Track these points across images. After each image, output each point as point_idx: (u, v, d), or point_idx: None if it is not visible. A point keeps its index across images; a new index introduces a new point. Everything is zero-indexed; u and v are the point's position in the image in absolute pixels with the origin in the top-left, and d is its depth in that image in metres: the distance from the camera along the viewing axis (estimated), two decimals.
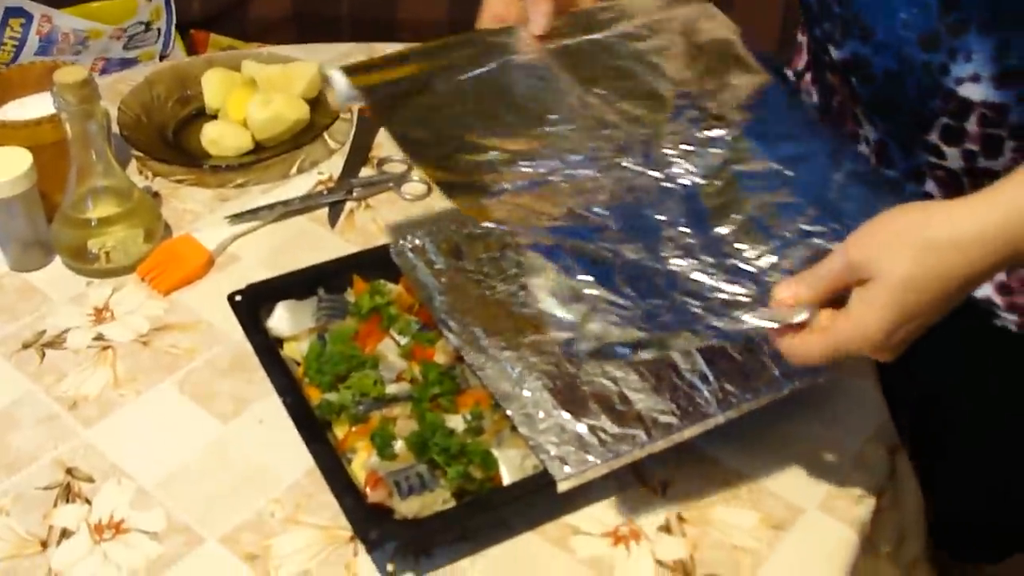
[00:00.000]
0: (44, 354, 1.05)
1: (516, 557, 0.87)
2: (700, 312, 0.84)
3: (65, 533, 0.90)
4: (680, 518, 0.90)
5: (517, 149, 0.95)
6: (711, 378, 0.94)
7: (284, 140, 1.28)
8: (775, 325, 0.82)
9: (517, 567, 0.87)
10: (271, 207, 1.19)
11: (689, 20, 1.10)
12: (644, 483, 0.93)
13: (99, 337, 1.07)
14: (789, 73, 1.23)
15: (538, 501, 0.89)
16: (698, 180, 0.95)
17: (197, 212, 1.22)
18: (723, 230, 0.90)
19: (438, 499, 0.88)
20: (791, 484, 0.93)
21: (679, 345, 0.84)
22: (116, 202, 1.13)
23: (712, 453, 0.95)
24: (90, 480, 0.94)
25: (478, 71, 1.02)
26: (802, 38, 1.19)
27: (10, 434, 0.98)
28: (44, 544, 0.89)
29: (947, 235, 0.76)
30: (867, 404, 1.00)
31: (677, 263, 0.87)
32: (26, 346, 1.06)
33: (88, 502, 0.92)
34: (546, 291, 0.82)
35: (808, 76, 1.18)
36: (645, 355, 0.82)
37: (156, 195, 1.23)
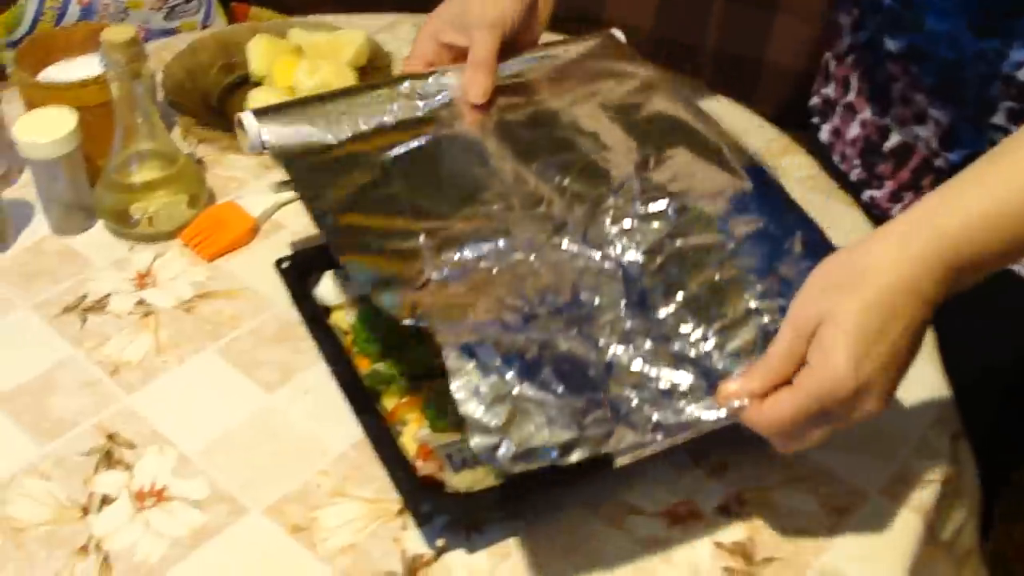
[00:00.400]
0: (85, 319, 1.03)
1: (570, 535, 0.85)
2: (637, 404, 0.79)
3: (106, 500, 0.87)
4: (739, 500, 0.87)
5: (447, 234, 0.90)
6: None
7: None
8: (721, 415, 0.78)
9: (571, 545, 0.84)
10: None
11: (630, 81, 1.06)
12: (700, 464, 0.90)
13: (141, 302, 1.04)
14: (828, 56, 1.19)
15: (593, 478, 0.86)
16: (639, 258, 0.89)
17: (241, 179, 1.19)
18: (665, 311, 0.85)
19: (490, 474, 0.85)
20: (853, 468, 0.90)
21: (611, 445, 0.76)
22: (160, 166, 1.11)
23: None
24: (131, 446, 0.91)
25: (406, 148, 0.98)
26: (845, 19, 1.15)
27: (50, 398, 0.95)
28: (85, 510, 0.87)
29: (874, 260, 0.75)
30: (929, 389, 0.97)
31: (614, 351, 0.82)
32: (67, 310, 1.04)
33: (129, 469, 0.90)
34: (467, 392, 0.76)
35: (850, 59, 1.15)
36: (575, 457, 0.75)
37: (200, 162, 1.21)
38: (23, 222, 1.14)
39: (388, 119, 1.02)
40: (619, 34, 1.13)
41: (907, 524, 0.87)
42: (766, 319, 0.84)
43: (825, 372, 0.73)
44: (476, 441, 0.74)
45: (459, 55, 1.04)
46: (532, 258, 0.88)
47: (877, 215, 1.11)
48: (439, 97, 1.04)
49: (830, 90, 1.19)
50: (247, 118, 0.99)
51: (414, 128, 1.00)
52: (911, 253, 0.73)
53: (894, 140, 1.05)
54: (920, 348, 0.76)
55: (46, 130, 1.07)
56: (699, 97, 1.27)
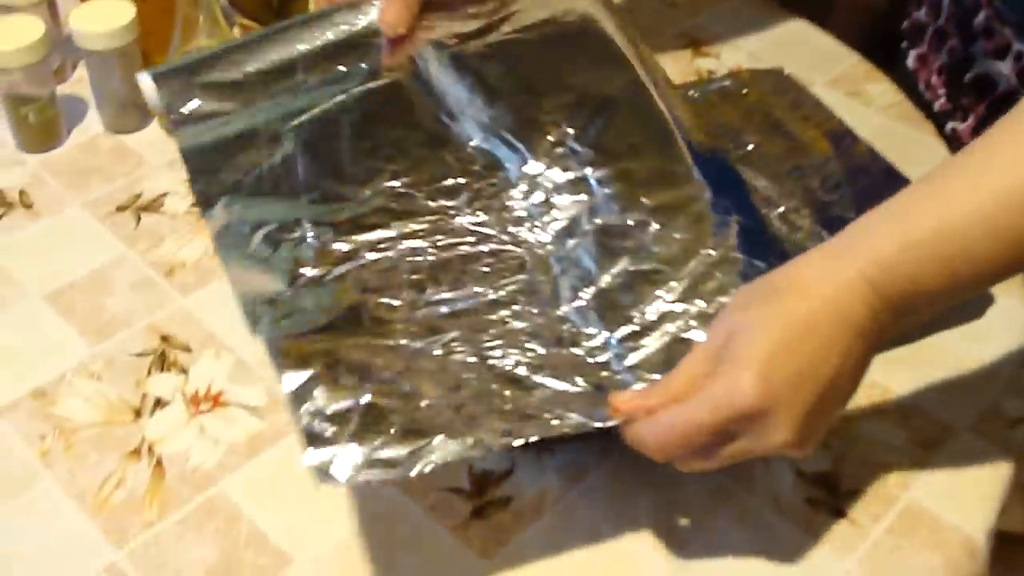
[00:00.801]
0: (140, 218, 0.99)
1: (646, 460, 0.80)
2: (508, 409, 0.69)
3: (159, 403, 0.84)
4: None
5: (337, 220, 0.79)
6: None
7: None
8: (601, 424, 0.68)
9: (647, 468, 0.80)
10: None
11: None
12: None
13: None
14: None
15: None
16: (547, 243, 0.80)
17: None
18: (567, 308, 0.77)
19: None
20: (941, 403, 0.86)
21: (478, 448, 0.66)
22: None
23: None
24: (187, 349, 0.88)
25: (311, 114, 0.84)
26: None
27: (103, 297, 0.92)
28: (137, 412, 0.83)
29: (798, 279, 0.67)
30: (1021, 327, 0.92)
31: (501, 360, 0.73)
32: (120, 209, 1.00)
33: (184, 372, 0.86)
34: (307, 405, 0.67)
35: None
36: (427, 469, 0.65)
37: None
38: (76, 119, 1.10)
39: (296, 55, 0.88)
40: None
41: (995, 463, 0.82)
42: (676, 326, 0.76)
43: (726, 380, 0.64)
44: (312, 456, 0.65)
45: None
46: (426, 244, 0.79)
47: (958, 148, 1.06)
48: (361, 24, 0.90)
49: (921, 14, 1.14)
50: (144, 80, 0.86)
51: (326, 82, 0.87)
52: (839, 276, 0.65)
53: (976, 71, 1.00)
54: (855, 388, 0.68)
55: (102, 21, 1.03)
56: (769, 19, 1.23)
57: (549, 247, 0.80)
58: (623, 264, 0.79)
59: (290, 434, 0.81)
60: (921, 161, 1.04)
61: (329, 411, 0.67)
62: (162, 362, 0.87)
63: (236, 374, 0.86)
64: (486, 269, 0.78)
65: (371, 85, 0.87)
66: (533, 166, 0.83)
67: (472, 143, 0.85)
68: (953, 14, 1.07)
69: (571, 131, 0.84)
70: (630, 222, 0.80)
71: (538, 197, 0.82)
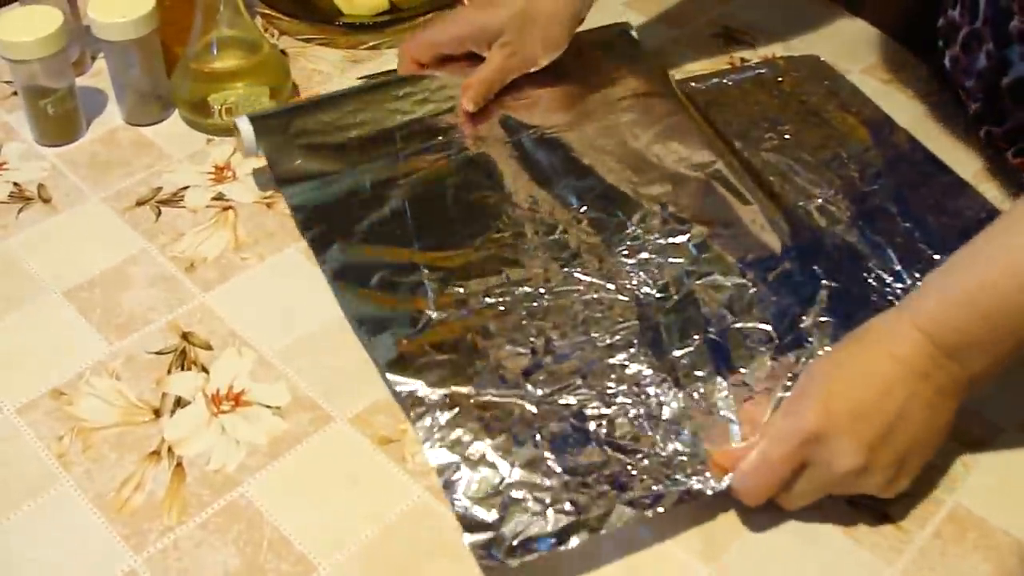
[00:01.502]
0: (160, 212, 0.97)
1: None
2: (636, 475, 0.74)
3: (180, 402, 0.81)
4: None
5: (452, 265, 0.87)
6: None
7: (422, 0, 1.18)
8: (719, 487, 0.73)
9: None
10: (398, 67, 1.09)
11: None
12: None
13: (219, 197, 0.98)
14: None
15: None
16: (654, 292, 0.85)
17: (327, 73, 1.12)
18: (679, 352, 0.81)
19: None
20: (988, 401, 0.82)
21: (610, 523, 0.71)
22: (242, 54, 1.04)
23: None
24: (208, 347, 0.85)
25: (416, 175, 0.95)
26: None
27: (122, 293, 0.89)
28: (157, 412, 0.81)
29: (858, 333, 0.75)
30: None
31: (621, 402, 0.78)
32: (140, 203, 0.98)
33: (205, 370, 0.84)
34: (457, 489, 0.73)
35: None
36: (572, 543, 0.70)
37: (284, 54, 1.14)
38: (96, 111, 1.08)
39: (392, 126, 0.99)
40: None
41: None
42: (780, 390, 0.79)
43: (791, 412, 0.73)
44: (470, 539, 0.70)
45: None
46: (541, 290, 0.85)
47: (991, 154, 1.02)
48: (446, 105, 1.02)
49: (956, 13, 1.10)
50: (242, 124, 0.95)
51: (425, 150, 0.97)
52: (896, 327, 0.73)
53: (1013, 76, 0.96)
54: (935, 430, 0.73)
55: (121, 11, 1.00)
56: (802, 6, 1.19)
57: (657, 298, 0.84)
58: (728, 319, 0.83)
59: (313, 434, 0.79)
60: (959, 150, 1.01)
61: (479, 496, 0.72)
62: (182, 360, 0.84)
63: (258, 372, 0.83)
64: (599, 315, 0.83)
65: (469, 153, 0.96)
66: (632, 228, 0.90)
67: (572, 206, 0.91)
68: (990, 17, 1.03)
69: (663, 201, 0.92)
70: (728, 283, 0.85)
71: (640, 256, 0.88)
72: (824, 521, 0.75)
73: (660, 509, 0.72)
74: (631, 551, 0.73)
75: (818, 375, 0.74)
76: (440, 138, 0.98)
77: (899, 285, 0.85)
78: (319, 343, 0.85)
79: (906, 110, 1.06)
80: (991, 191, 0.97)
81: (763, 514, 0.75)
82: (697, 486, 0.73)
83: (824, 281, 0.85)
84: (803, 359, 0.80)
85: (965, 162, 1.01)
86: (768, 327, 0.82)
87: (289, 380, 0.83)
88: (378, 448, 0.78)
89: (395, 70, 1.07)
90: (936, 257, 0.87)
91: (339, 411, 0.81)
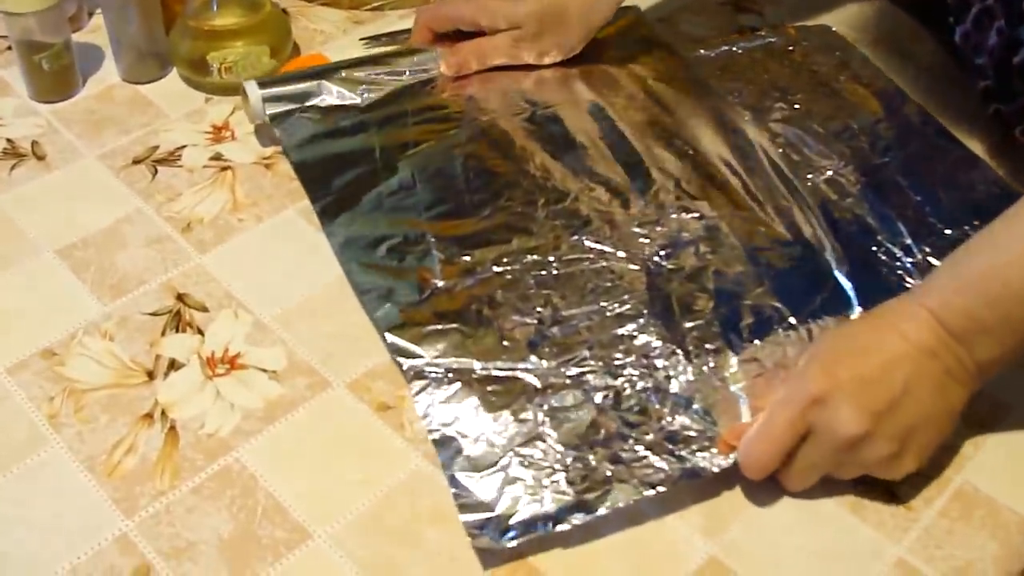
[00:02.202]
0: (156, 171, 0.95)
1: None
2: (641, 452, 0.72)
3: (174, 364, 0.80)
4: None
5: (460, 233, 0.86)
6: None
7: None
8: (724, 463, 0.72)
9: None
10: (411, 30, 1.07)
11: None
12: None
13: (217, 156, 0.96)
14: None
15: None
16: (664, 261, 0.83)
17: (329, 33, 1.11)
18: (690, 323, 0.79)
19: None
20: (995, 379, 0.80)
21: (608, 503, 0.70)
22: (242, 12, 1.02)
23: None
24: (203, 309, 0.83)
25: (426, 144, 0.93)
26: None
27: (116, 253, 0.88)
28: (150, 374, 0.79)
29: (867, 313, 0.77)
30: None
31: (629, 375, 0.76)
32: (136, 161, 0.96)
33: (200, 333, 0.82)
34: (456, 465, 0.72)
35: None
36: (568, 524, 0.69)
37: (285, 13, 1.11)
38: (92, 67, 1.06)
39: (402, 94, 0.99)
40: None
41: None
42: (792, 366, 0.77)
43: (795, 375, 0.73)
44: (465, 518, 0.69)
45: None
46: (550, 259, 0.83)
47: (1000, 131, 1.01)
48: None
49: None
50: (250, 87, 0.94)
51: (435, 119, 0.96)
52: (906, 307, 0.73)
53: (1023, 55, 0.95)
54: (943, 412, 0.72)
55: None
56: None
57: (668, 269, 0.83)
58: (739, 295, 0.81)
59: (310, 400, 0.77)
60: (968, 125, 1.00)
61: (477, 475, 0.71)
62: (177, 322, 0.83)
63: (255, 335, 0.82)
64: (608, 284, 0.81)
65: (479, 123, 0.95)
66: (645, 201, 0.88)
67: (584, 176, 0.90)
68: None
69: (677, 176, 0.90)
70: (739, 258, 0.83)
71: (652, 227, 0.86)
72: (829, 498, 0.73)
73: (662, 488, 0.71)
74: (632, 524, 0.72)
75: (826, 345, 0.74)
76: (450, 108, 0.97)
77: (909, 259, 0.83)
78: (318, 306, 0.84)
79: (917, 81, 1.05)
80: (1000, 168, 0.95)
81: (767, 491, 0.73)
82: (702, 464, 0.72)
83: (834, 256, 0.84)
84: (814, 334, 0.78)
85: (975, 138, 0.99)
86: (779, 304, 0.80)
87: (286, 344, 0.81)
88: (376, 414, 0.77)
89: (398, 32, 1.06)
90: (947, 232, 0.85)
91: (337, 376, 0.79)
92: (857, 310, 0.79)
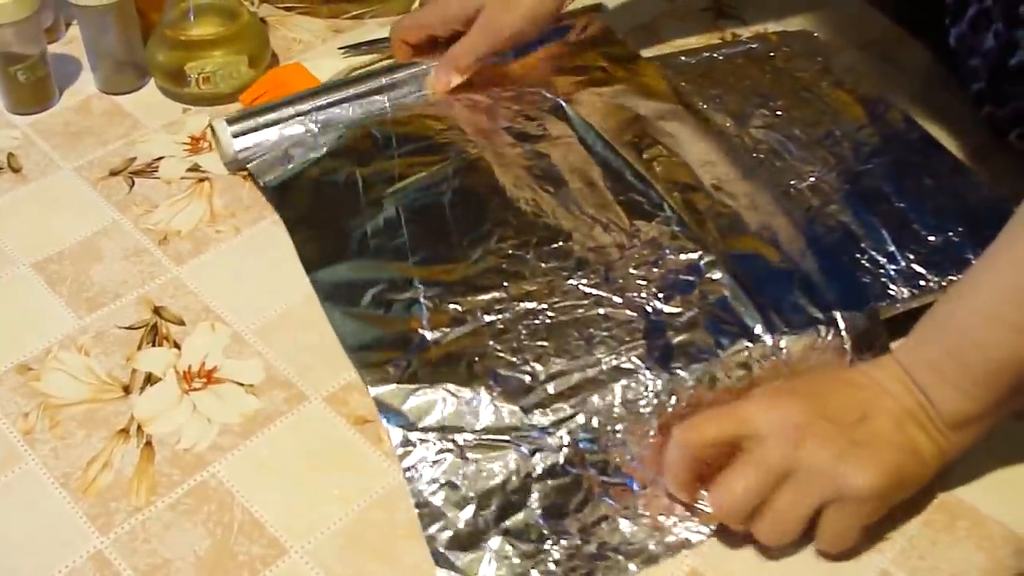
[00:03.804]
0: (133, 183, 0.94)
1: None
2: (626, 527, 0.71)
3: (150, 379, 0.79)
4: None
5: (449, 279, 0.81)
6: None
7: None
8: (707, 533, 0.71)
9: None
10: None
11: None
12: None
13: (195, 168, 0.95)
14: None
15: None
16: (663, 308, 0.79)
17: (308, 42, 1.10)
18: (685, 374, 0.75)
19: None
20: None
21: None
22: (220, 22, 1.01)
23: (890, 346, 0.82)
24: (180, 323, 0.83)
25: (410, 181, 0.89)
26: None
27: (92, 267, 0.87)
28: (126, 389, 0.78)
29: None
30: None
31: (619, 441, 0.73)
32: (113, 173, 0.95)
33: (177, 346, 0.81)
34: (437, 529, 0.70)
35: None
36: None
37: (263, 21, 1.11)
38: (69, 79, 1.05)
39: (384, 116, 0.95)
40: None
41: None
42: None
43: (736, 412, 0.70)
44: None
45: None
46: (544, 306, 0.79)
47: (988, 136, 1.00)
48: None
49: None
50: (219, 125, 0.92)
51: (420, 150, 0.92)
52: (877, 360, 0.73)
53: (1019, 58, 0.94)
54: (895, 441, 0.69)
55: None
56: None
57: (666, 314, 0.79)
58: (737, 347, 0.76)
59: (287, 414, 0.77)
60: (953, 130, 0.99)
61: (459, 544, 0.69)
62: (154, 336, 0.82)
63: (232, 348, 0.81)
64: (605, 333, 0.77)
65: (467, 155, 0.91)
66: (643, 238, 0.84)
67: (577, 211, 0.86)
68: None
69: (672, 216, 0.85)
70: (741, 308, 0.79)
71: (649, 269, 0.82)
72: None
73: (649, 565, 0.69)
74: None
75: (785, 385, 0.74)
76: (435, 139, 0.93)
77: (892, 266, 0.83)
78: (295, 319, 0.83)
79: (900, 89, 1.04)
80: (985, 173, 0.95)
81: None
82: (685, 535, 0.70)
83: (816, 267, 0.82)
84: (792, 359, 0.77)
85: (960, 144, 0.99)
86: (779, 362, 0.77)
87: (263, 357, 0.80)
88: (354, 428, 0.76)
89: (378, 40, 1.05)
90: (931, 239, 0.85)
91: (314, 390, 0.78)
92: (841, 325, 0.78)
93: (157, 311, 0.84)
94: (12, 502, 0.72)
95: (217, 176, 0.94)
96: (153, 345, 0.81)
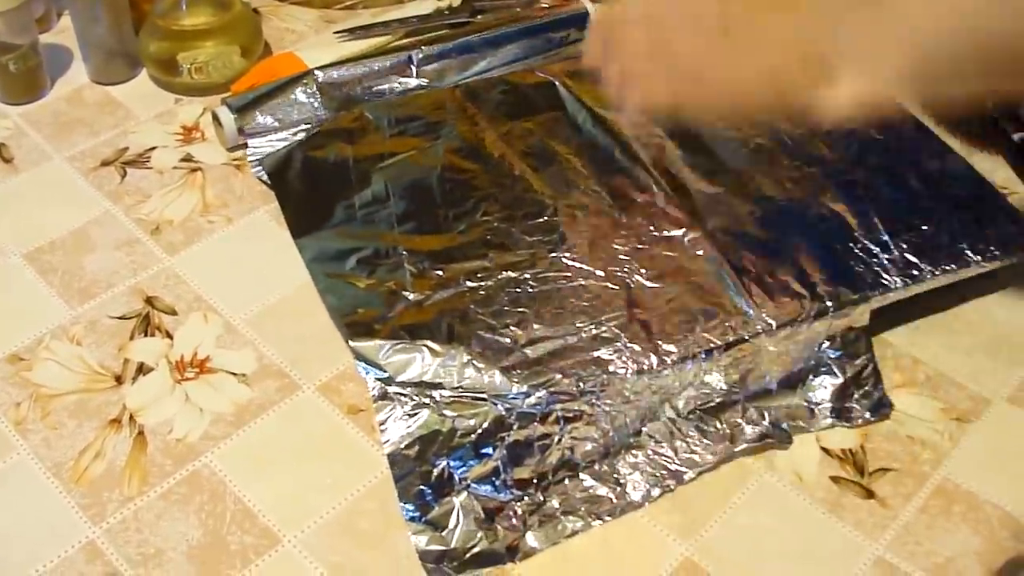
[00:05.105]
0: (125, 173, 0.94)
1: None
2: (589, 482, 0.72)
3: (142, 369, 0.79)
4: None
5: (433, 249, 0.82)
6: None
7: None
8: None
9: None
10: (386, 24, 1.05)
11: None
12: None
13: (187, 158, 0.95)
14: None
15: None
16: (645, 283, 0.79)
17: (301, 32, 1.10)
18: (668, 348, 0.75)
19: None
20: (975, 373, 0.80)
21: (559, 535, 0.70)
22: (212, 11, 1.01)
23: (883, 335, 0.82)
24: (172, 312, 0.82)
25: (402, 155, 0.90)
26: None
27: (85, 257, 0.86)
28: (119, 379, 0.78)
29: None
30: None
31: (594, 409, 0.73)
32: (105, 163, 0.95)
33: (169, 336, 0.81)
34: (407, 489, 0.71)
35: None
36: (527, 552, 0.69)
37: (256, 12, 1.10)
38: (60, 69, 1.05)
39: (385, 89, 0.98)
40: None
41: None
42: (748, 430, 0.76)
43: None
44: (420, 549, 0.69)
45: None
46: (526, 275, 0.80)
47: (979, 123, 0.99)
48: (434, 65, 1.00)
49: None
50: (223, 113, 0.92)
51: (413, 129, 0.93)
52: None
53: None
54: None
55: None
56: None
57: (649, 288, 0.79)
58: (718, 321, 0.77)
59: (279, 403, 0.76)
60: (948, 117, 0.99)
61: (433, 507, 0.70)
62: (146, 326, 0.82)
63: (224, 338, 0.81)
64: (586, 304, 0.78)
65: (458, 133, 0.92)
66: (628, 215, 0.84)
67: (564, 189, 0.87)
68: None
69: (659, 194, 0.86)
70: (725, 284, 0.79)
71: (633, 245, 0.82)
72: (806, 498, 0.72)
73: (609, 518, 0.71)
74: (606, 525, 0.71)
75: None
76: (428, 118, 0.94)
77: (886, 255, 0.82)
78: (288, 308, 0.83)
79: None
80: (982, 160, 0.94)
81: (743, 491, 0.73)
82: (647, 491, 0.72)
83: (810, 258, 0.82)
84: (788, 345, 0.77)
85: (953, 132, 0.98)
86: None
87: (256, 347, 0.80)
88: (346, 417, 0.76)
89: (372, 25, 1.04)
90: (924, 227, 0.84)
91: (307, 379, 0.78)
92: (827, 300, 0.78)
93: (149, 301, 0.83)
94: (3, 492, 0.71)
95: (209, 166, 0.94)
96: (145, 335, 0.81)
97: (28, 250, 0.87)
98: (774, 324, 0.76)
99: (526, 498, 0.71)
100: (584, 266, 0.81)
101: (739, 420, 0.75)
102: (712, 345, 0.75)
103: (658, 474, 0.73)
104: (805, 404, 0.77)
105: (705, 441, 0.74)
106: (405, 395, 0.72)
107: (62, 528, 0.70)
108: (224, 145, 0.94)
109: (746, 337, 0.76)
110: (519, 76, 0.98)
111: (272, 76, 0.98)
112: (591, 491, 0.72)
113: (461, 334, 0.75)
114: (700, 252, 0.81)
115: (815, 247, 0.82)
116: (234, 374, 0.78)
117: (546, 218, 0.84)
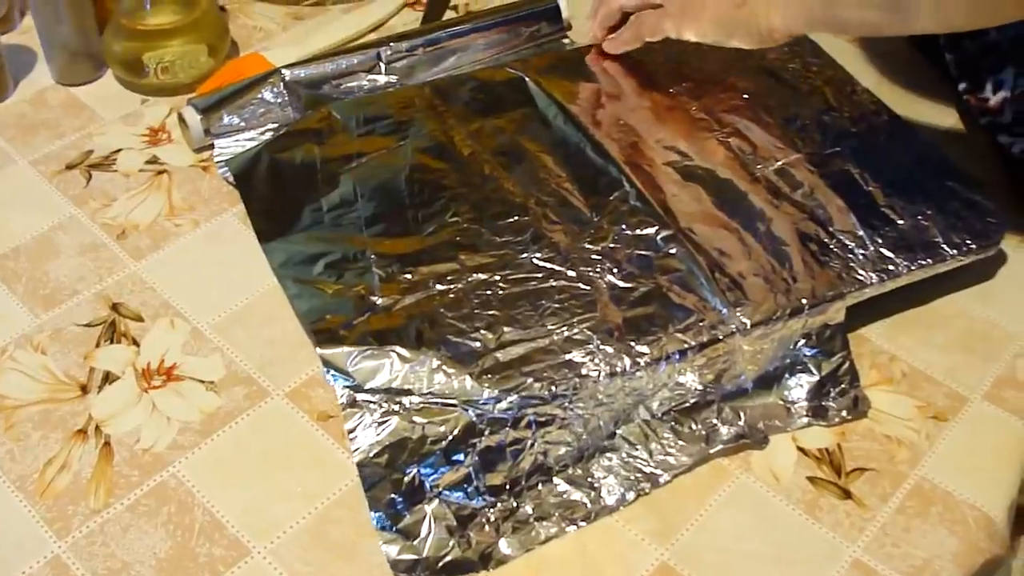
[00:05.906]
0: (90, 176, 0.92)
1: None
2: (562, 487, 0.72)
3: (108, 377, 0.77)
4: None
5: (402, 251, 0.81)
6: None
7: None
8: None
9: None
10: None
11: None
12: None
13: (153, 160, 0.94)
14: None
15: None
16: (618, 283, 0.78)
17: (268, 31, 1.08)
18: (641, 348, 0.74)
19: None
20: (951, 370, 0.80)
21: (532, 541, 0.70)
22: (177, 10, 0.99)
23: (859, 331, 0.81)
24: (139, 319, 0.81)
25: (370, 156, 0.89)
26: None
27: (48, 263, 0.85)
28: (84, 388, 0.77)
29: None
30: None
31: (566, 413, 0.72)
32: (70, 167, 0.93)
33: (136, 344, 0.79)
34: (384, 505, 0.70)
35: None
36: (500, 560, 0.69)
37: (223, 10, 1.09)
38: (24, 70, 1.03)
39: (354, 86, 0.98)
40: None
41: (1013, 431, 0.77)
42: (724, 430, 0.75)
43: None
44: (392, 559, 0.68)
45: None
46: (496, 278, 0.79)
47: (960, 114, 0.99)
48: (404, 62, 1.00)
49: None
50: (188, 113, 0.91)
51: (381, 129, 0.91)
52: None
53: (984, 39, 0.93)
54: None
55: None
56: None
57: (620, 288, 0.78)
58: (692, 320, 0.76)
59: (248, 411, 0.75)
60: (923, 111, 0.98)
61: (404, 516, 0.69)
62: (112, 333, 0.80)
63: (192, 345, 0.79)
64: (557, 305, 0.77)
65: (427, 132, 0.91)
66: (600, 213, 0.84)
67: (535, 188, 0.86)
68: None
69: (631, 191, 0.85)
70: (698, 283, 0.78)
71: (605, 244, 0.81)
72: (783, 499, 0.72)
73: (583, 524, 0.70)
74: (581, 529, 0.70)
75: None
76: (395, 118, 0.92)
77: (861, 251, 0.81)
78: (256, 313, 0.81)
79: (868, 71, 1.03)
80: (957, 152, 0.94)
81: (720, 494, 0.72)
82: (620, 495, 0.72)
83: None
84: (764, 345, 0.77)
85: (930, 124, 0.98)
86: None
87: (224, 353, 0.79)
88: (316, 424, 0.75)
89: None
90: (900, 222, 0.84)
91: (276, 385, 0.77)
92: (801, 299, 0.77)
93: (115, 307, 0.82)
94: None
95: (176, 168, 0.93)
96: (111, 343, 0.80)
97: None
98: (748, 323, 0.75)
99: (499, 504, 0.70)
100: (555, 267, 0.80)
101: (715, 421, 0.74)
102: (686, 345, 0.74)
103: (633, 477, 0.72)
104: (781, 403, 0.76)
105: (680, 443, 0.73)
106: (374, 402, 0.71)
107: (27, 543, 0.68)
108: (191, 146, 0.93)
109: (720, 337, 0.75)
110: (489, 73, 0.97)
111: (239, 76, 0.97)
112: (565, 496, 0.71)
113: (430, 339, 0.74)
114: (673, 251, 0.80)
115: (789, 244, 0.81)
116: (202, 381, 0.77)
117: (516, 218, 0.83)
